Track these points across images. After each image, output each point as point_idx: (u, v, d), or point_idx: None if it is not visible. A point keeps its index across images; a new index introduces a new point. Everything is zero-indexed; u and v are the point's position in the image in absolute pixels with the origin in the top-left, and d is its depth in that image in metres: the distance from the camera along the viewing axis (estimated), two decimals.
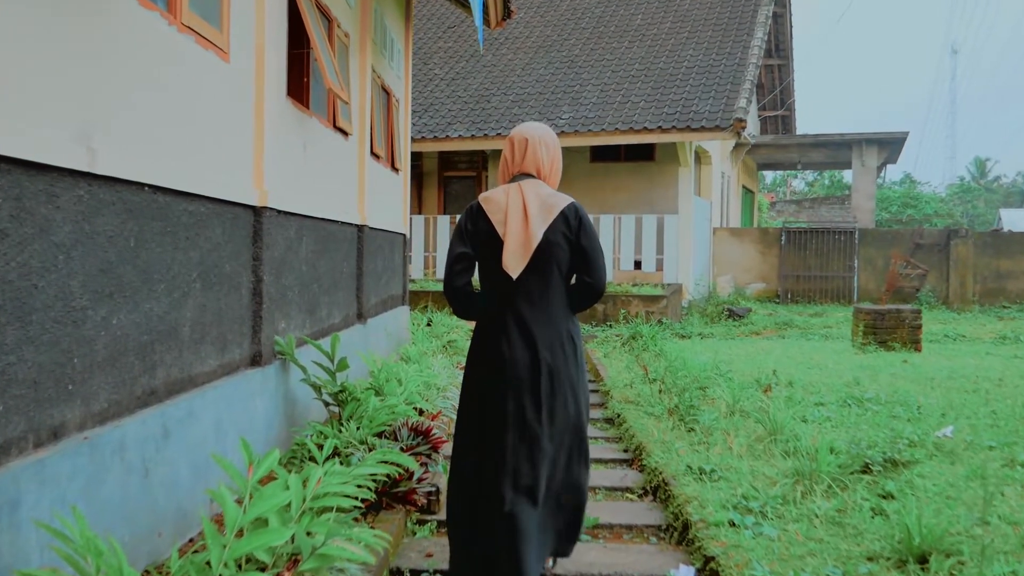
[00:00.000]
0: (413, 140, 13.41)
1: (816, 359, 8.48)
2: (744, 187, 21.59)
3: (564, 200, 2.84)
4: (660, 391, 6.42)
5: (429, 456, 4.47)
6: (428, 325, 9.50)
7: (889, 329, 8.99)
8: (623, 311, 11.14)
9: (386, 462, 3.34)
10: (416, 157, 15.75)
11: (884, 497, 3.74)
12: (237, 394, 3.97)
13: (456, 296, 2.87)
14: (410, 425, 4.56)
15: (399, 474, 3.76)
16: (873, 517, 3.52)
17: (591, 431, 5.95)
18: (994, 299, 14.98)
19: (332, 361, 4.75)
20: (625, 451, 5.34)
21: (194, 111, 3.59)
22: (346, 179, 6.57)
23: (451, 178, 16.25)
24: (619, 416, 5.97)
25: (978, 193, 47.95)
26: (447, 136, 13.38)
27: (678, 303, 12.46)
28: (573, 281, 2.93)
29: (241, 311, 4.17)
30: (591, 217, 13.20)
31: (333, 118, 6.14)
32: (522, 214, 2.78)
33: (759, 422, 5.03)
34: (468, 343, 3.00)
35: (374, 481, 3.62)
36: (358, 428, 4.46)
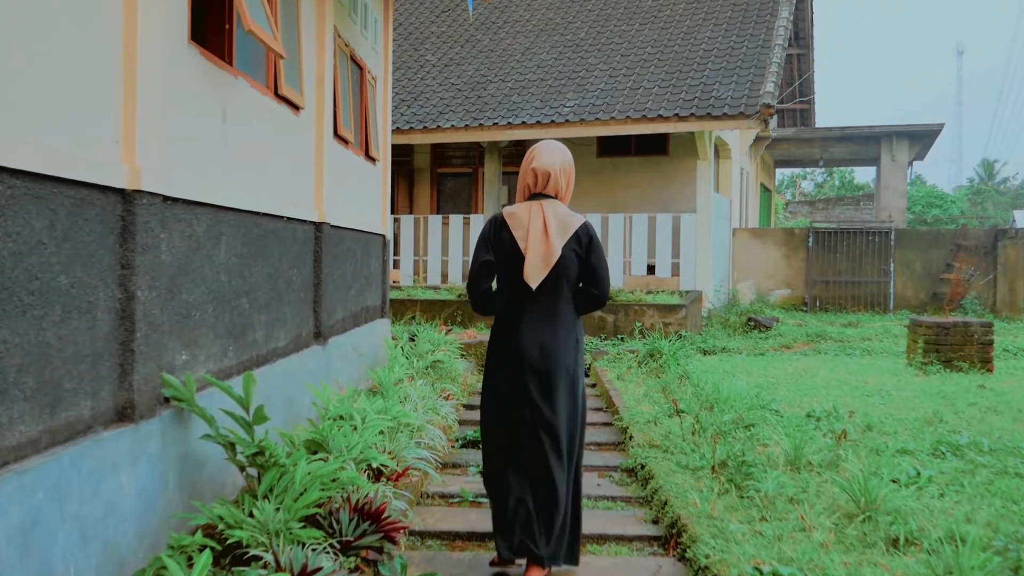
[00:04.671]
0: (402, 131, 12.05)
1: (872, 383, 7.09)
2: (762, 185, 20.20)
3: (578, 220, 3.20)
4: (694, 431, 5.05)
5: (380, 551, 3.10)
6: (411, 341, 8.13)
7: (955, 346, 7.60)
8: (638, 323, 9.75)
9: None
10: (407, 152, 14.41)
11: None
12: (78, 471, 2.61)
13: (479, 297, 3.29)
14: (354, 504, 3.18)
15: None
16: None
17: (606, 487, 4.57)
18: None
19: (247, 410, 3.38)
20: (655, 522, 3.97)
21: None
22: (296, 164, 5.21)
23: (445, 175, 14.89)
24: (644, 468, 4.60)
25: (989, 195, 46.53)
26: (438, 127, 12.01)
27: (698, 313, 11.08)
28: (581, 286, 3.29)
29: (94, 344, 2.80)
30: (599, 216, 11.91)
31: (275, 84, 4.79)
32: (543, 232, 3.13)
33: (843, 489, 3.65)
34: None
35: None
36: (278, 509, 3.10)
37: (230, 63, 4.13)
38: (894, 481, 3.83)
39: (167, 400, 3.31)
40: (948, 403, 6.05)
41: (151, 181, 3.08)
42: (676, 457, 4.63)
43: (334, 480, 3.36)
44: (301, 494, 3.17)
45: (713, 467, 4.19)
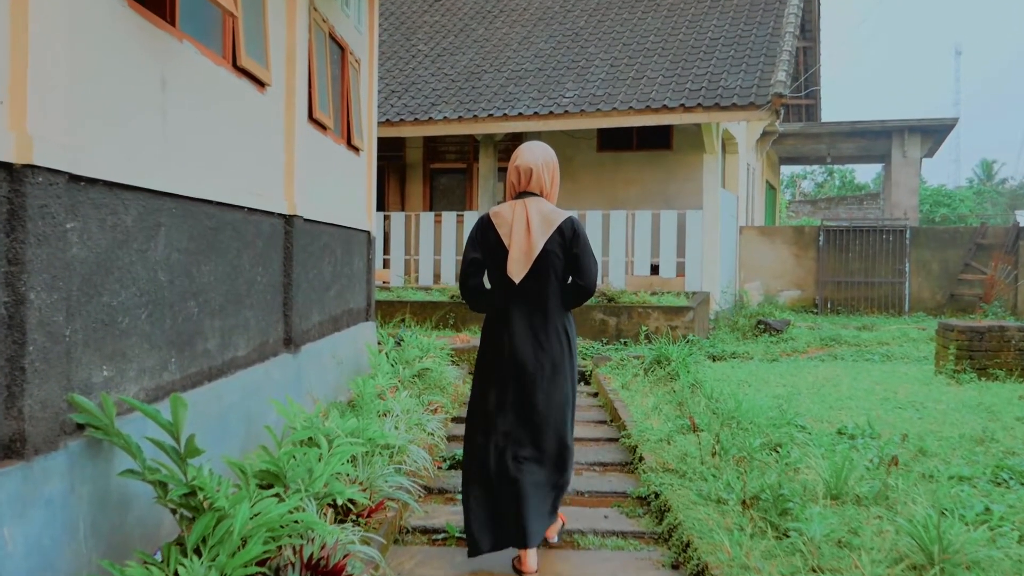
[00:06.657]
0: (392, 123, 11.43)
1: (902, 393, 6.47)
2: (767, 182, 19.58)
3: (562, 216, 3.33)
4: (714, 453, 4.42)
5: None
6: (398, 345, 7.49)
7: (990, 352, 6.97)
8: (643, 327, 9.12)
9: None
10: (398, 146, 13.79)
11: None
12: None
13: (469, 293, 3.44)
14: (307, 559, 2.55)
15: None
16: None
17: (614, 520, 3.93)
18: None
19: (177, 439, 2.74)
20: (675, 567, 3.34)
21: None
22: (261, 148, 4.58)
23: (439, 171, 14.25)
24: (658, 497, 3.98)
25: (988, 195, 46.07)
26: (430, 119, 11.38)
27: (705, 315, 10.45)
28: (570, 281, 3.42)
29: None
30: (599, 212, 11.28)
31: (233, 54, 4.16)
32: (525, 228, 3.29)
33: (906, 532, 3.02)
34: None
35: None
36: (211, 566, 2.46)
37: (172, 23, 3.49)
38: (966, 524, 3.20)
39: (80, 427, 2.68)
40: (993, 417, 5.43)
41: (50, 155, 2.44)
42: (696, 484, 4.00)
43: (281, 528, 2.72)
44: (241, 546, 2.54)
45: (744, 501, 3.55)
